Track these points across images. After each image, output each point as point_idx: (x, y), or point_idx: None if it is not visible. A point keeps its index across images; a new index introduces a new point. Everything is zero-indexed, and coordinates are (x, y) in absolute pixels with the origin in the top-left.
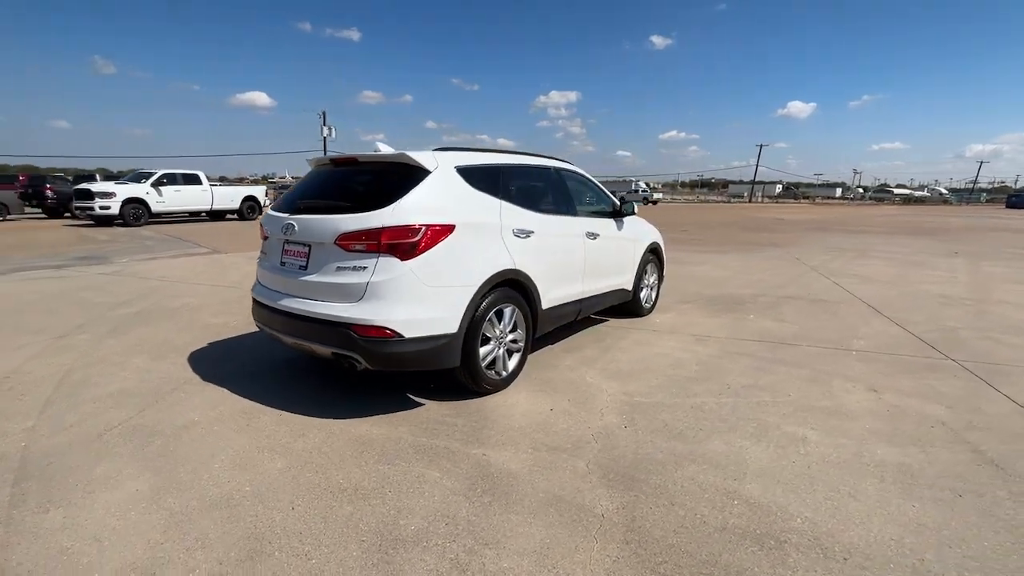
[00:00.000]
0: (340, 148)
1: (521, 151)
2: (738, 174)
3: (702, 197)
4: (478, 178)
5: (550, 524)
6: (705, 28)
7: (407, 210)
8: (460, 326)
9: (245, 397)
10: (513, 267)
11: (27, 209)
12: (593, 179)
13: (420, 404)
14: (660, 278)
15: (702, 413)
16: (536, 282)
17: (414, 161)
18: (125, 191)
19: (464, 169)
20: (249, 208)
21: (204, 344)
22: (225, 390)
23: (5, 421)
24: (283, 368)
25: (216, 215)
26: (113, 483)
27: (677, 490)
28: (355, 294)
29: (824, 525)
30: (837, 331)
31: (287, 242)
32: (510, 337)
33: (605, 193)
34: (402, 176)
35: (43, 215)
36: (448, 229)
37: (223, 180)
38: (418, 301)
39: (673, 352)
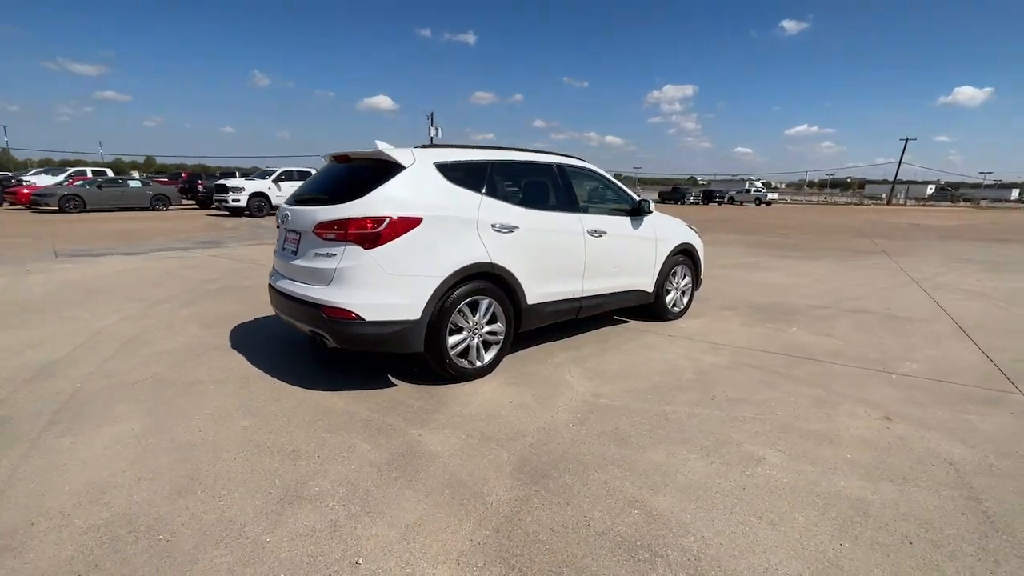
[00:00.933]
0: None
1: (521, 148)
2: (881, 172)
3: (830, 198)
4: (458, 174)
5: (437, 504)
6: (849, 6)
7: (373, 203)
8: (423, 314)
9: (253, 364)
10: (488, 261)
11: (184, 201)
12: (608, 176)
13: (393, 385)
14: (695, 281)
15: (665, 422)
16: (518, 277)
17: (390, 157)
18: (252, 186)
19: (443, 165)
20: None
21: (250, 318)
22: (242, 357)
23: (73, 367)
24: (299, 343)
25: None
26: (119, 422)
27: (581, 491)
28: (326, 278)
29: (717, 548)
30: (889, 351)
31: (287, 230)
32: (487, 329)
33: (621, 191)
34: (379, 171)
35: (196, 206)
36: (414, 221)
37: None
38: (380, 287)
39: (676, 359)
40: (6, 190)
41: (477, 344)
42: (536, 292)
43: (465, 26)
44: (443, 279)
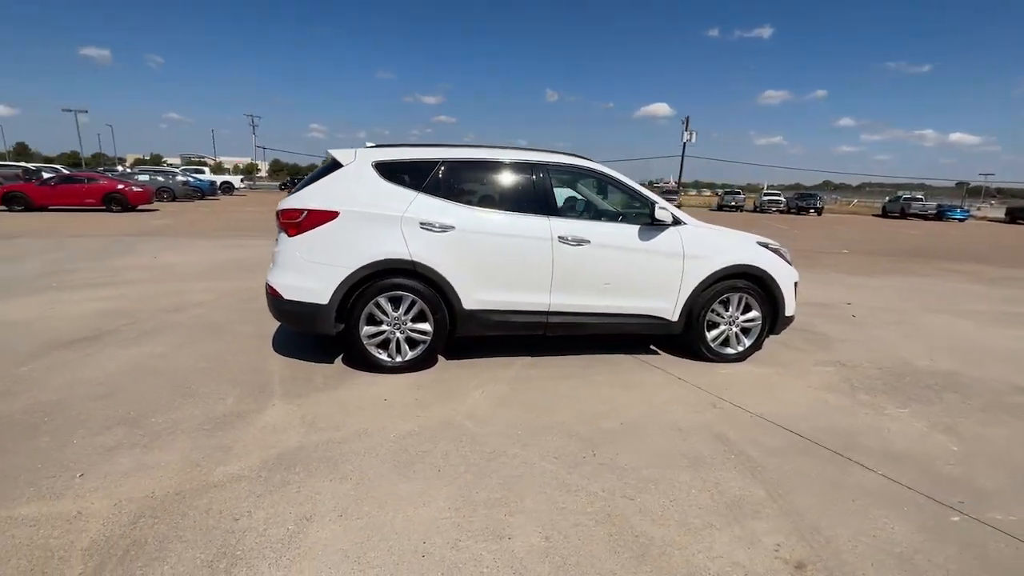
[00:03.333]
0: (700, 151)
1: (501, 146)
2: None
3: None
4: (396, 172)
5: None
6: None
7: (301, 196)
8: (331, 300)
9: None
10: (408, 258)
11: None
12: (621, 178)
13: (328, 363)
14: (771, 319)
15: (482, 458)
16: (450, 279)
17: (335, 157)
18: None
19: (381, 164)
20: None
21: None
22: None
23: (157, 308)
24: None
25: None
26: (154, 339)
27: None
28: (273, 260)
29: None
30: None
31: None
32: (411, 326)
33: (636, 196)
34: (326, 170)
35: None
36: (331, 215)
37: None
38: (296, 271)
39: (648, 406)
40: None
41: (400, 339)
42: (477, 298)
43: (760, 20)
44: (353, 270)
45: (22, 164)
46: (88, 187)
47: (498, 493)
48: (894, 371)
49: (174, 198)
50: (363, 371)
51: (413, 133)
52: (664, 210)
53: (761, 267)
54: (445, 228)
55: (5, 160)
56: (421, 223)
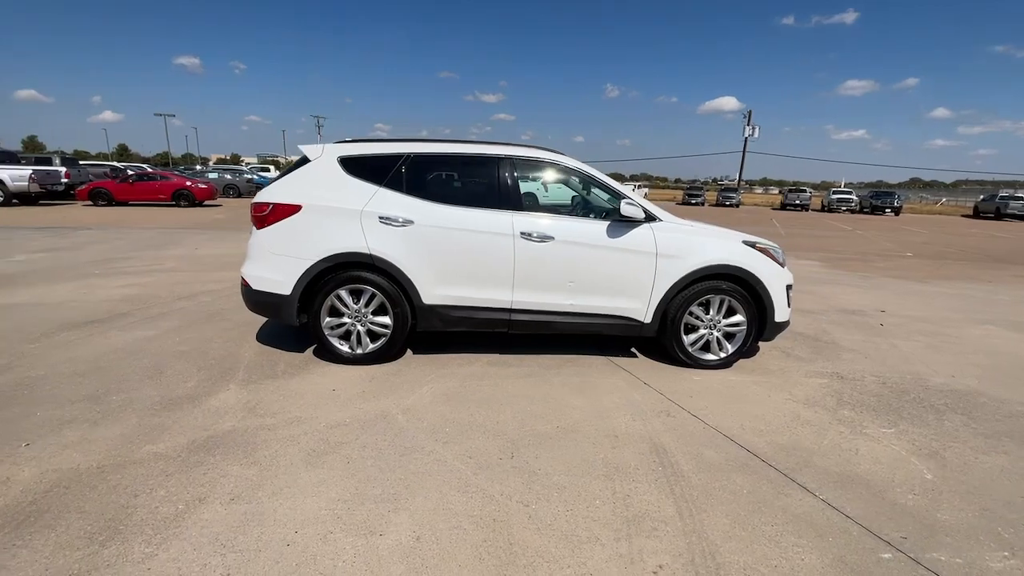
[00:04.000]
0: (769, 147)
1: (468, 140)
2: None
3: None
4: (359, 167)
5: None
6: None
7: (270, 191)
8: (293, 291)
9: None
10: (367, 251)
11: None
12: (591, 172)
13: (299, 352)
14: (762, 322)
15: (397, 452)
16: (408, 273)
17: (304, 152)
18: (524, 187)
19: (346, 158)
20: None
21: None
22: None
23: (171, 295)
24: None
25: None
26: (154, 324)
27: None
28: (247, 252)
29: None
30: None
31: None
32: (372, 319)
33: (607, 191)
34: (297, 164)
35: None
36: (293, 209)
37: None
38: (262, 262)
39: (596, 409)
40: None
41: (361, 332)
42: (437, 293)
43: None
44: (313, 263)
45: (111, 163)
46: (160, 184)
47: (393, 489)
48: (899, 387)
49: (239, 194)
50: (329, 362)
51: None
52: (632, 206)
53: (744, 267)
54: (405, 223)
55: (109, 160)
56: (381, 217)
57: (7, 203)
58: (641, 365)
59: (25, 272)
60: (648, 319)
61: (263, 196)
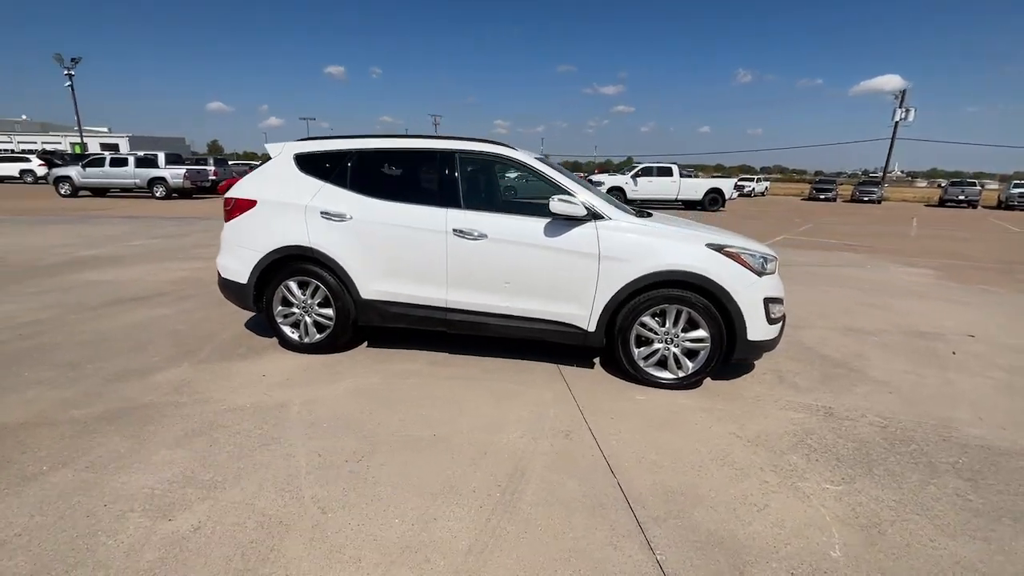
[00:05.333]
0: (934, 132)
1: (417, 135)
2: None
3: None
4: (310, 163)
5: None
6: None
7: (236, 187)
8: (249, 280)
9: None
10: (308, 245)
11: None
12: (536, 165)
13: (269, 337)
14: (732, 339)
15: (256, 441)
16: (346, 267)
17: (267, 150)
18: (610, 181)
19: (299, 156)
20: (711, 200)
21: None
22: None
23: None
24: None
25: (689, 204)
26: (177, 304)
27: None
28: None
29: None
30: None
31: None
32: (318, 311)
33: (552, 186)
34: (262, 161)
35: None
36: (250, 204)
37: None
38: (228, 253)
39: (490, 420)
40: None
41: (308, 322)
42: (374, 288)
43: None
44: (264, 254)
45: (250, 163)
46: None
47: (223, 477)
48: (903, 434)
49: None
50: (287, 350)
51: (590, 125)
52: (566, 203)
53: (704, 275)
54: (343, 217)
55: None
56: (322, 212)
57: (168, 196)
58: (588, 378)
59: (132, 255)
60: (592, 327)
61: (230, 192)
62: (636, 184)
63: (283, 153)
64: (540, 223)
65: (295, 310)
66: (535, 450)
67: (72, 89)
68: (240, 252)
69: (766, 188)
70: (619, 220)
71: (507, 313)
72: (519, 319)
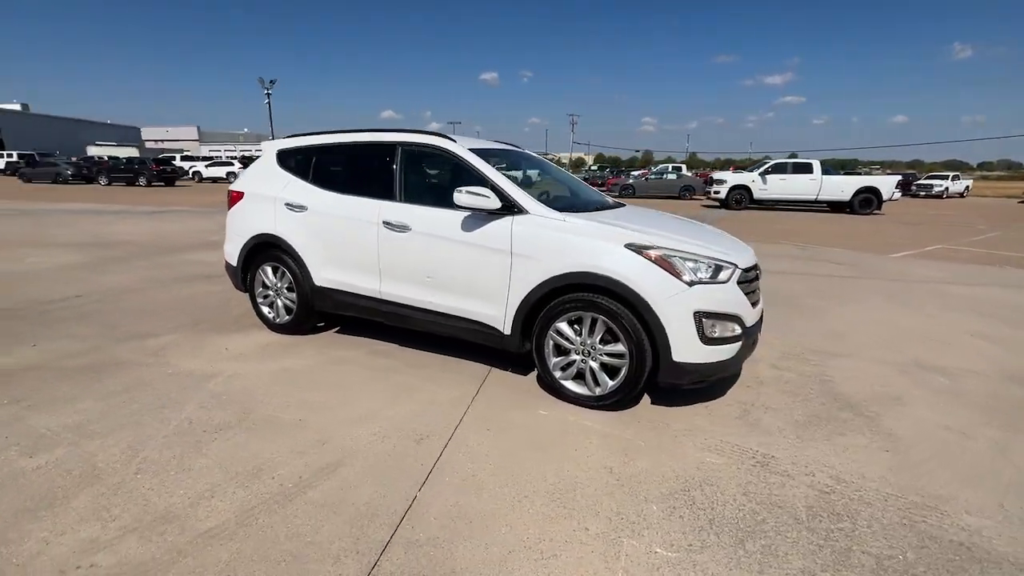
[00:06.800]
0: None
1: (369, 129)
2: None
3: None
4: (286, 159)
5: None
6: None
7: (234, 182)
8: (238, 263)
9: None
10: (274, 233)
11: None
12: (467, 157)
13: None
14: (641, 354)
15: (158, 402)
16: (302, 255)
17: (261, 147)
18: (734, 179)
19: (280, 152)
20: (863, 201)
21: None
22: None
23: None
24: None
25: (834, 206)
26: (226, 281)
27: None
28: None
29: None
30: None
31: None
32: (286, 294)
33: (475, 177)
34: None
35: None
36: (240, 196)
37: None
38: (227, 239)
39: (367, 412)
40: (608, 181)
41: (279, 304)
42: (325, 276)
43: None
44: (245, 240)
45: None
46: None
47: (96, 428)
48: (842, 507)
49: None
50: (259, 330)
51: (749, 120)
52: (473, 195)
53: (619, 279)
54: (302, 208)
55: None
56: (286, 203)
57: None
58: (509, 385)
59: None
60: (507, 330)
61: (231, 185)
62: (765, 182)
63: (268, 150)
64: (459, 216)
65: (269, 292)
66: (370, 449)
67: (269, 106)
68: (233, 238)
69: (967, 188)
70: (536, 214)
71: (429, 308)
72: (442, 316)
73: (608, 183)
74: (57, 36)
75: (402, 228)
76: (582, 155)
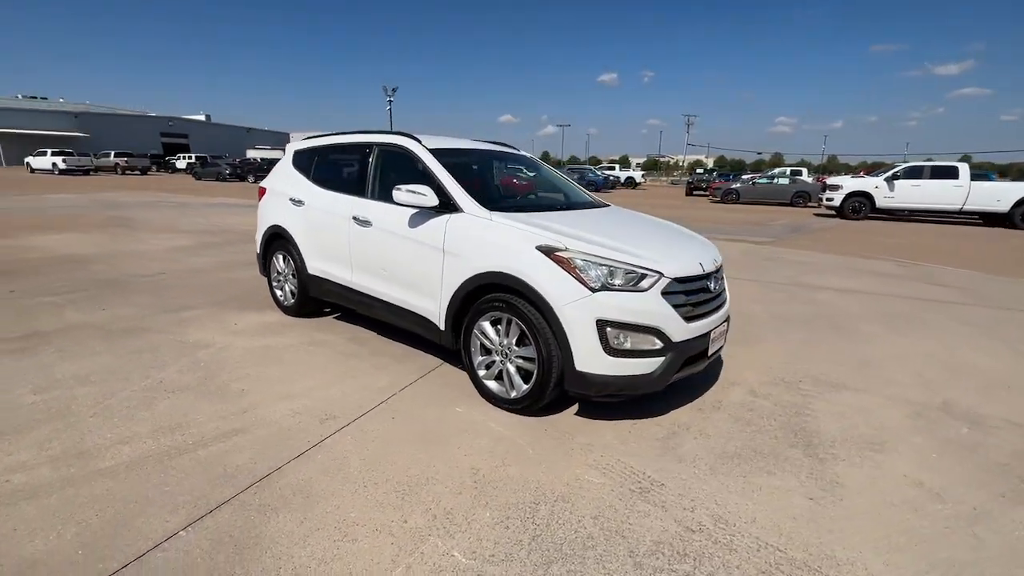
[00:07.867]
0: None
1: (359, 131)
2: None
3: None
4: (296, 158)
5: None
6: None
7: (266, 178)
8: (260, 250)
9: None
10: (281, 224)
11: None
12: (423, 157)
13: (272, 308)
14: (548, 359)
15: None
16: (300, 246)
17: (285, 149)
18: (852, 184)
19: (295, 152)
20: None
21: None
22: None
23: None
24: None
25: (988, 219)
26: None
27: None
28: None
29: None
30: None
31: None
32: (292, 280)
33: (429, 176)
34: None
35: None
36: (263, 191)
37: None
38: (257, 231)
39: (305, 396)
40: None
41: (287, 289)
42: (314, 265)
43: None
44: (264, 230)
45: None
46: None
47: (78, 379)
48: (697, 547)
49: None
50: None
51: (911, 117)
52: (411, 192)
53: (525, 280)
54: (300, 203)
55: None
56: (291, 199)
57: None
58: (448, 381)
59: None
60: (443, 325)
61: (261, 182)
62: (892, 188)
63: (288, 151)
64: (405, 213)
65: (280, 277)
66: (279, 422)
67: (390, 112)
68: (259, 228)
69: None
70: (468, 213)
71: (386, 300)
72: (394, 308)
73: (711, 187)
74: (229, 55)
75: (366, 223)
76: (700, 158)
